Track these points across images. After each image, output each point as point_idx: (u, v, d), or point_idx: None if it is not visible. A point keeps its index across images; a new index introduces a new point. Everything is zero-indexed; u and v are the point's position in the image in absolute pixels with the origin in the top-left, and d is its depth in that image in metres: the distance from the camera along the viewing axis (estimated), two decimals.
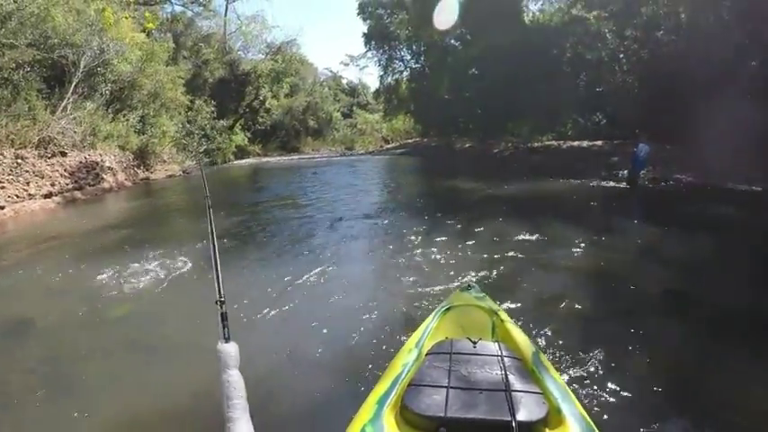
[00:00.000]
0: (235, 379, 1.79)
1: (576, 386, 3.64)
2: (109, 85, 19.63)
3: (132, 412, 3.67)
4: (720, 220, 9.42)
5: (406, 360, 2.73)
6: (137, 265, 7.33)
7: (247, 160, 32.21)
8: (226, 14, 35.72)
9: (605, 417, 3.31)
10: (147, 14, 23.77)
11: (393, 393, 2.39)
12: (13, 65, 14.53)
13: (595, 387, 3.71)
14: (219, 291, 2.17)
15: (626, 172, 14.13)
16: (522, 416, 2.10)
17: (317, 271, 6.86)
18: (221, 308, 2.08)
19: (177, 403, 3.77)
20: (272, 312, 5.46)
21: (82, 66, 18.05)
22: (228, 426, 1.64)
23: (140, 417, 3.64)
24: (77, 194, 15.07)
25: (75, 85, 17.80)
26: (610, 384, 3.73)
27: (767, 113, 12.02)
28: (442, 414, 2.14)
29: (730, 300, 5.47)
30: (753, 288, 5.90)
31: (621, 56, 21.35)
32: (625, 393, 3.64)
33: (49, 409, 3.75)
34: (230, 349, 1.87)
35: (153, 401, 3.81)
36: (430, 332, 3.05)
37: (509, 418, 2.05)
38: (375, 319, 5.16)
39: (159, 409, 3.73)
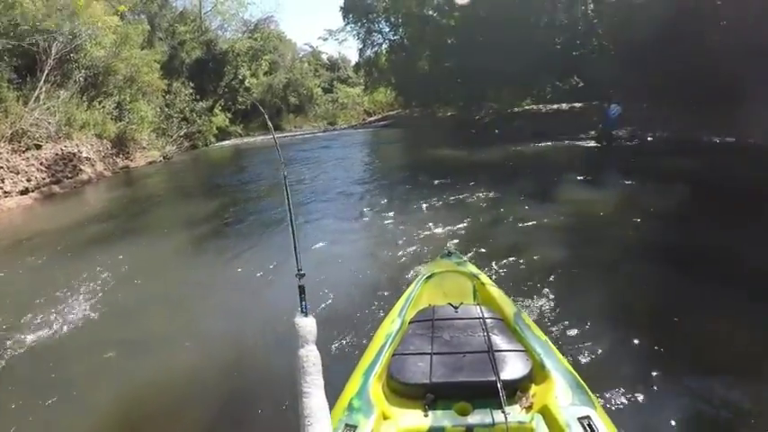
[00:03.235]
0: (313, 354, 1.79)
1: (560, 341, 3.75)
2: (83, 71, 19.01)
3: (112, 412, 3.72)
4: (691, 171, 9.86)
5: (389, 330, 2.78)
6: (120, 257, 7.29)
7: (229, 141, 31.83)
8: None
9: (589, 368, 3.45)
10: None
11: (378, 364, 2.44)
12: None
13: (578, 340, 3.86)
14: (298, 263, 2.13)
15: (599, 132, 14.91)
16: (506, 374, 2.19)
17: (302, 246, 6.82)
18: (300, 281, 2.04)
19: (154, 400, 3.86)
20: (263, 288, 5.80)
21: (54, 53, 17.45)
22: (304, 401, 1.64)
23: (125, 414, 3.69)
24: (55, 188, 14.70)
25: (48, 74, 17.19)
26: (592, 336, 3.89)
27: (734, 68, 12.32)
28: (427, 381, 2.21)
29: (703, 245, 5.80)
30: (724, 232, 6.20)
31: (596, 20, 21.52)
32: (607, 342, 3.81)
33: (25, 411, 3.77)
34: (308, 323, 1.87)
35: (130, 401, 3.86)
36: (412, 300, 3.11)
37: (494, 378, 2.14)
38: (361, 289, 5.35)
39: (140, 404, 3.81)
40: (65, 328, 5.11)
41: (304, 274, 2.06)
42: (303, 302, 1.96)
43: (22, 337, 4.93)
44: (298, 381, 1.70)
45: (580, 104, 20.68)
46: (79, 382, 4.13)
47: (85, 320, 5.29)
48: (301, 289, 2.00)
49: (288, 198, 2.47)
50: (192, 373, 4.14)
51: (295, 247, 2.20)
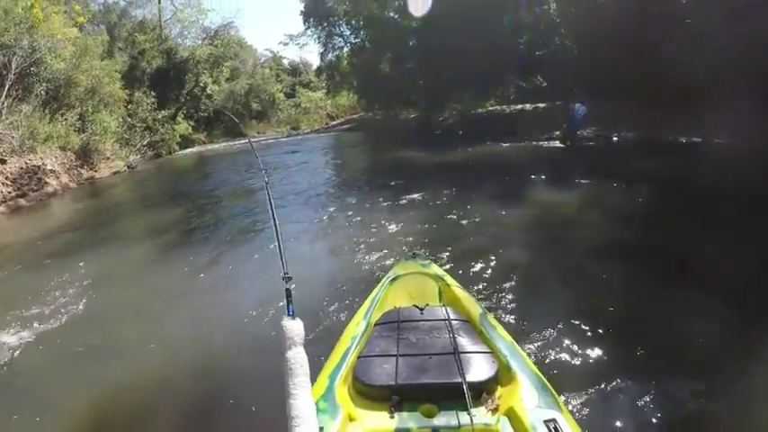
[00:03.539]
0: (300, 356, 1.80)
1: (525, 342, 3.78)
2: (44, 84, 19.08)
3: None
4: (656, 171, 9.79)
5: (354, 333, 2.80)
6: (89, 267, 7.41)
7: (193, 149, 31.74)
8: (160, 1, 34.74)
9: (554, 370, 3.49)
10: (76, 7, 22.89)
11: (344, 366, 2.45)
12: None
13: (544, 341, 3.90)
14: (284, 266, 2.18)
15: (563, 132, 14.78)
16: (472, 376, 2.21)
17: (268, 249, 7.06)
18: (287, 284, 2.09)
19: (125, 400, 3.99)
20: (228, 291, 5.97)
21: (14, 67, 17.53)
22: (291, 402, 1.65)
23: (95, 420, 3.77)
24: (21, 202, 14.74)
25: (9, 89, 17.23)
26: (557, 337, 3.94)
27: (699, 68, 12.49)
28: (392, 382, 2.24)
29: (668, 246, 5.84)
30: (688, 232, 6.28)
31: (558, 20, 21.76)
32: (572, 344, 3.86)
33: None
34: (296, 326, 1.88)
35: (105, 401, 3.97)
36: (377, 303, 3.13)
37: (460, 380, 2.16)
38: (326, 291, 5.40)
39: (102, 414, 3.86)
40: (33, 337, 5.22)
41: (290, 278, 2.11)
42: (290, 305, 1.99)
43: None
44: (285, 382, 1.72)
45: (544, 104, 20.47)
46: (48, 389, 4.24)
47: (54, 329, 5.39)
48: (288, 292, 2.05)
49: (270, 202, 2.59)
50: (161, 378, 4.23)
51: (280, 251, 2.26)
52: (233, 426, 3.54)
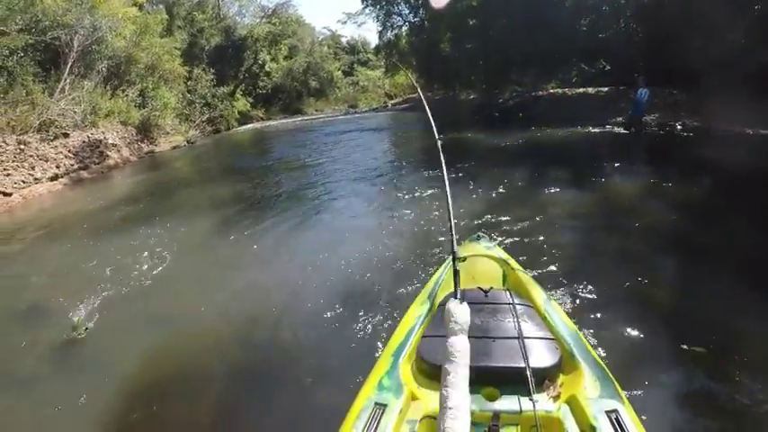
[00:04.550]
0: (463, 345, 1.77)
1: (588, 330, 3.73)
2: (105, 62, 19.67)
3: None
4: (722, 163, 9.19)
5: (419, 312, 2.77)
6: (153, 237, 7.60)
7: (250, 125, 32.30)
8: None
9: (617, 361, 3.35)
10: None
11: (408, 345, 2.44)
12: (7, 51, 14.64)
13: (607, 331, 3.82)
14: (453, 246, 2.19)
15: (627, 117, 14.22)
16: (535, 362, 2.18)
17: (330, 227, 7.40)
18: (455, 264, 2.09)
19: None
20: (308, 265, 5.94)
21: (76, 45, 18.06)
22: (448, 391, 1.62)
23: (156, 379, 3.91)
24: (83, 174, 15.30)
25: (71, 66, 17.84)
26: (621, 328, 3.86)
27: None
28: None
29: (734, 241, 5.59)
30: (751, 229, 6.00)
31: (623, 0, 20.92)
32: (636, 336, 3.78)
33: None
34: (463, 311, 1.85)
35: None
36: (441, 284, 3.07)
37: (523, 365, 2.14)
38: (386, 267, 5.49)
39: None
40: (97, 302, 5.38)
41: (461, 258, 2.09)
42: (457, 288, 1.98)
43: (56, 312, 5.24)
44: (443, 368, 1.69)
45: (607, 89, 19.71)
46: (111, 352, 4.41)
47: (117, 295, 5.55)
48: (456, 273, 2.03)
49: (443, 169, 2.46)
50: (219, 345, 4.40)
51: (451, 229, 2.24)
52: (284, 397, 3.61)
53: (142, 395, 3.77)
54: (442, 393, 1.61)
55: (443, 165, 2.43)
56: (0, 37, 14.29)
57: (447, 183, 2.37)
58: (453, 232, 2.16)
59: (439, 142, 2.66)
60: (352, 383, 2.76)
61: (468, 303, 2.48)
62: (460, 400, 1.58)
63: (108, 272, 6.26)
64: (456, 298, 1.90)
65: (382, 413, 2.01)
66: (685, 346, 3.63)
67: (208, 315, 4.96)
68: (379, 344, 3.76)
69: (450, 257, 3.33)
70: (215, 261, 6.58)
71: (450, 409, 1.55)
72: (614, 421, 1.90)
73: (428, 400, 2.12)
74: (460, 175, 9.52)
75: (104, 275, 6.16)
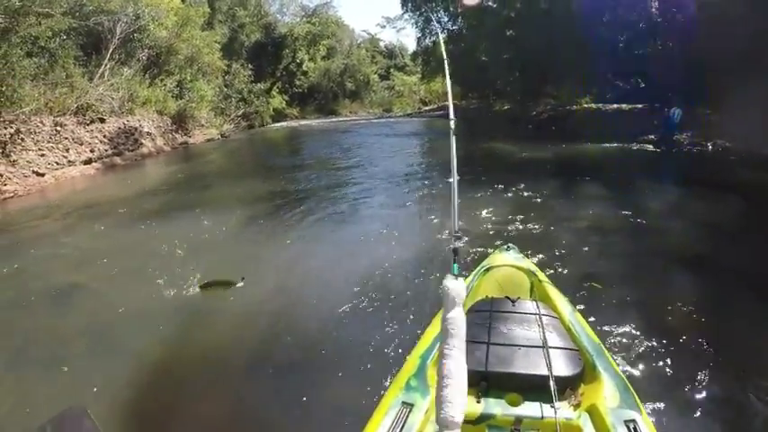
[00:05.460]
0: (460, 318, 1.79)
1: (610, 341, 3.76)
2: (145, 50, 19.88)
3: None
4: (753, 186, 9.12)
5: None
6: (181, 226, 7.60)
7: (285, 123, 32.44)
8: None
9: (637, 372, 3.44)
10: None
11: (436, 348, 2.41)
12: (50, 33, 14.64)
13: (628, 344, 3.80)
14: (454, 225, 2.18)
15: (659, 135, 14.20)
16: (558, 371, 2.22)
17: (363, 228, 7.42)
18: (454, 243, 2.09)
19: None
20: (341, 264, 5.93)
21: (118, 32, 18.27)
22: (445, 362, 1.65)
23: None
24: (117, 160, 15.38)
25: (112, 52, 18.02)
26: (641, 342, 3.81)
27: None
28: (483, 368, 2.26)
29: (759, 263, 5.43)
30: None
31: (660, 19, 20.61)
32: (656, 349, 3.72)
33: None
34: (459, 286, 1.86)
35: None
36: (470, 291, 3.11)
37: (547, 373, 2.18)
38: (419, 272, 5.39)
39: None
40: (127, 285, 5.42)
41: (460, 237, 2.13)
42: (455, 264, 2.00)
43: (89, 293, 5.30)
44: (442, 341, 1.73)
45: (641, 105, 19.49)
46: (138, 337, 4.37)
47: (146, 281, 5.48)
48: (455, 251, 2.05)
49: (453, 157, 2.46)
50: (247, 338, 4.37)
51: (453, 208, 2.25)
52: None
53: (162, 384, 3.76)
54: (441, 364, 1.66)
55: (453, 148, 2.43)
56: (44, 19, 14.32)
57: (454, 164, 2.37)
58: (455, 215, 2.20)
59: (452, 122, 2.62)
60: (380, 384, 2.97)
61: (497, 312, 2.69)
62: (455, 370, 1.62)
63: (140, 256, 6.28)
64: (453, 273, 1.93)
65: (409, 412, 2.08)
66: (706, 363, 3.58)
67: (236, 306, 4.90)
68: (408, 345, 3.62)
69: (481, 267, 3.53)
70: (249, 254, 6.48)
71: (444, 377, 1.61)
72: (632, 430, 1.96)
73: None
74: (489, 184, 9.43)
75: (135, 260, 6.16)
